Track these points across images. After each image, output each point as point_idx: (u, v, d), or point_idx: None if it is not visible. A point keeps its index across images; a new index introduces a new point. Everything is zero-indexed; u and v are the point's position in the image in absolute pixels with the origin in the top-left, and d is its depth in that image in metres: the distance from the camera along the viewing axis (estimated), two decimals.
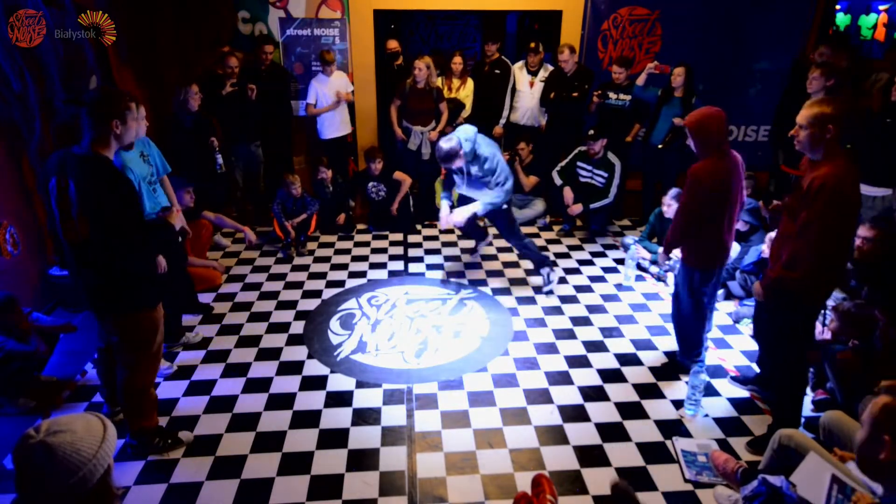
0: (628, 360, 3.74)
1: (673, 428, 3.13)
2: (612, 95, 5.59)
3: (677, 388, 3.45)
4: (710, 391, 3.39)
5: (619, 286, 4.74)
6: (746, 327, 4.08)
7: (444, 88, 6.08)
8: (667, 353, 3.80)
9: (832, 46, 4.84)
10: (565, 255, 5.31)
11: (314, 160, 6.07)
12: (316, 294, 4.60)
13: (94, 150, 2.40)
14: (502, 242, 5.60)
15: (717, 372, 3.60)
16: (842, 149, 2.58)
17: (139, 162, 3.17)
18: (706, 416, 3.21)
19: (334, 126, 5.92)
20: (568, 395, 3.39)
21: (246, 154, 5.65)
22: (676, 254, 4.66)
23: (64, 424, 1.37)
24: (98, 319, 2.74)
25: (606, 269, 5.04)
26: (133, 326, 2.64)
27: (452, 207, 4.46)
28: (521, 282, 4.80)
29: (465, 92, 6.08)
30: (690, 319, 3.39)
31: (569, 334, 4.04)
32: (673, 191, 4.77)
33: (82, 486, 1.33)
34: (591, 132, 5.35)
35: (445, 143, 4.11)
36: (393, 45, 6.19)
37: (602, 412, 3.25)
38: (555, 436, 3.07)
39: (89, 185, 2.34)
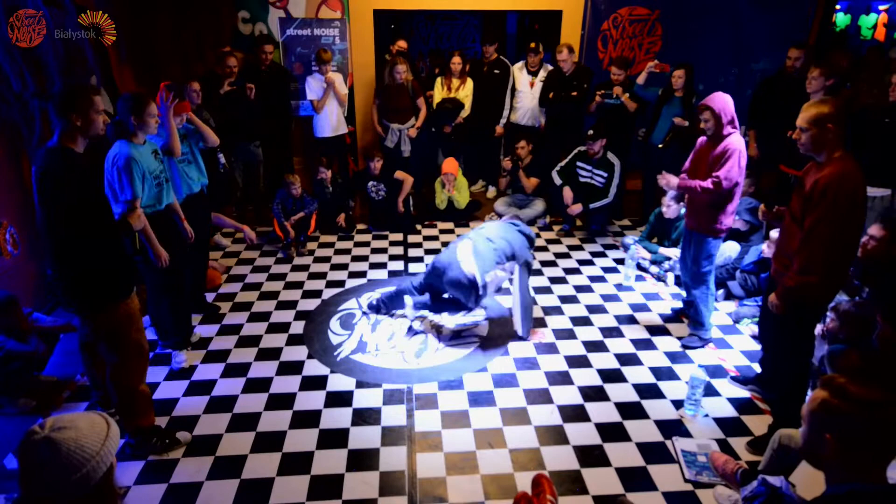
0: (628, 360, 3.74)
1: (673, 428, 3.13)
2: (613, 94, 5.58)
3: (677, 388, 3.45)
4: (710, 391, 3.39)
5: (619, 286, 4.74)
6: (746, 327, 4.08)
7: (444, 88, 6.10)
8: (667, 353, 3.80)
9: (802, 49, 4.90)
10: (565, 255, 5.31)
11: (314, 160, 6.08)
12: (316, 294, 4.60)
13: (62, 142, 2.45)
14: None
15: (717, 372, 3.60)
16: (844, 148, 2.59)
17: (150, 158, 3.21)
18: (706, 416, 3.21)
19: (328, 126, 5.91)
20: (568, 395, 3.39)
21: (246, 154, 5.65)
22: (675, 253, 4.69)
23: (68, 421, 1.38)
24: (74, 314, 2.75)
25: (606, 269, 5.04)
26: (104, 320, 2.64)
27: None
28: None
29: (465, 92, 6.09)
30: (705, 288, 3.74)
31: (569, 334, 4.04)
32: (673, 191, 4.76)
33: (85, 484, 1.34)
34: (591, 132, 5.35)
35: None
36: (402, 44, 6.19)
37: (602, 412, 3.25)
38: (555, 436, 3.07)
39: (45, 175, 2.41)
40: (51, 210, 2.43)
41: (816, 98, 4.26)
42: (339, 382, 3.51)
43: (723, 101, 3.44)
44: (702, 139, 3.65)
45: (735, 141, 3.41)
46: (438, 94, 6.11)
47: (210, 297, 4.48)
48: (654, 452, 2.95)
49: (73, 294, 2.59)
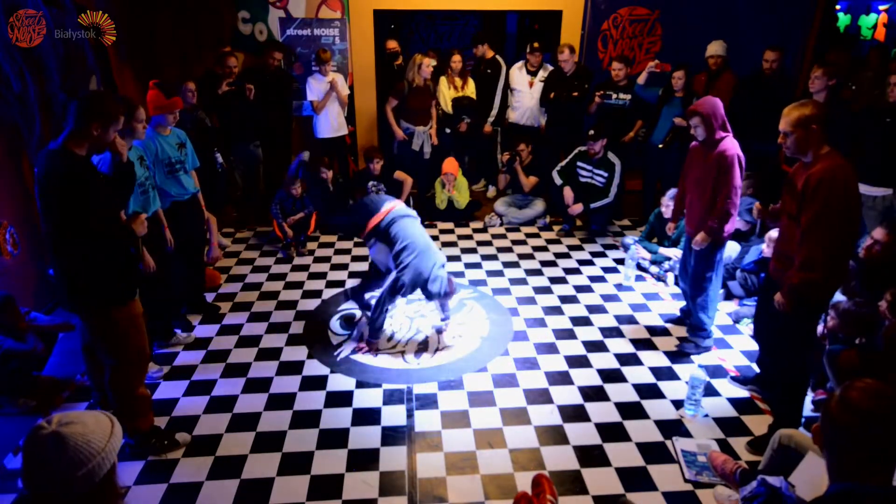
0: (628, 360, 3.74)
1: (673, 428, 3.13)
2: (612, 95, 5.59)
3: (677, 388, 3.45)
4: (710, 391, 3.39)
5: (619, 286, 4.74)
6: (746, 327, 4.07)
7: (450, 87, 6.09)
8: (667, 353, 3.80)
9: (778, 51, 4.96)
10: (565, 255, 5.31)
11: (315, 160, 6.07)
12: (316, 294, 4.59)
13: (66, 145, 2.42)
14: (502, 241, 5.60)
15: (717, 372, 3.60)
16: (829, 145, 2.62)
17: (136, 166, 3.13)
18: (706, 416, 3.21)
19: (329, 126, 5.89)
20: (568, 395, 3.39)
21: (245, 154, 5.65)
22: (675, 253, 4.68)
23: (74, 417, 1.39)
24: (75, 315, 2.73)
25: (606, 269, 5.04)
26: (104, 322, 2.63)
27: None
28: (521, 282, 4.80)
29: (471, 89, 6.11)
30: (706, 295, 3.66)
31: (569, 334, 4.03)
32: (672, 191, 4.75)
33: (90, 480, 1.34)
34: (591, 132, 5.35)
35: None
36: (392, 45, 6.19)
37: (602, 412, 3.25)
38: (555, 436, 3.07)
39: (46, 178, 2.38)
40: (53, 213, 2.41)
41: (819, 98, 4.28)
42: (339, 382, 3.51)
43: (712, 105, 3.39)
44: (694, 144, 3.61)
45: (729, 146, 3.36)
46: (447, 93, 6.08)
47: (210, 297, 4.48)
48: (654, 452, 2.95)
49: (74, 296, 2.58)
